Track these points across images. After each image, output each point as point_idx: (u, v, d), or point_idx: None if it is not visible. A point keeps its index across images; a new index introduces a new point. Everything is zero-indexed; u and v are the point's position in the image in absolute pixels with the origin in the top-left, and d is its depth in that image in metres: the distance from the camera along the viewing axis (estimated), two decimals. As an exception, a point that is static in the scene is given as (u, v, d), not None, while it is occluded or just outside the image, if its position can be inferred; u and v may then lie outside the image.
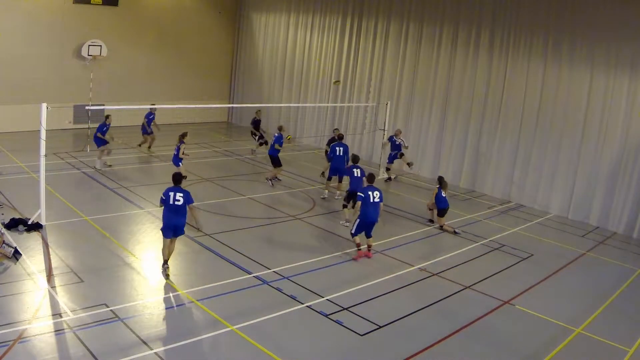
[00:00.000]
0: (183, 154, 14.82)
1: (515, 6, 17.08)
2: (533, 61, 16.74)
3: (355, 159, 14.11)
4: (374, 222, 11.40)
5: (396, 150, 17.83)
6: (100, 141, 16.26)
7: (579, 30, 15.74)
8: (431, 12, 19.23)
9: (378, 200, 11.34)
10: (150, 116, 18.81)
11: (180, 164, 14.82)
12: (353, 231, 11.43)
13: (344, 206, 13.65)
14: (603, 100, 15.44)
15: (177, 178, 9.86)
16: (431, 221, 14.18)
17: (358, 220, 11.35)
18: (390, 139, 17.87)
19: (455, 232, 13.62)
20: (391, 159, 18.04)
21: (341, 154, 15.32)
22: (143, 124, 18.83)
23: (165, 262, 9.91)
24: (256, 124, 20.30)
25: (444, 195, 13.74)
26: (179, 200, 9.56)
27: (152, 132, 18.89)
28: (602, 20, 15.22)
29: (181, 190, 9.70)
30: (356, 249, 11.50)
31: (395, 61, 20.36)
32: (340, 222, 13.55)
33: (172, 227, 9.66)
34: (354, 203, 12.65)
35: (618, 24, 14.95)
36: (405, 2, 19.93)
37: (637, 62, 14.77)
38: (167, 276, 9.75)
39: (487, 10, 17.75)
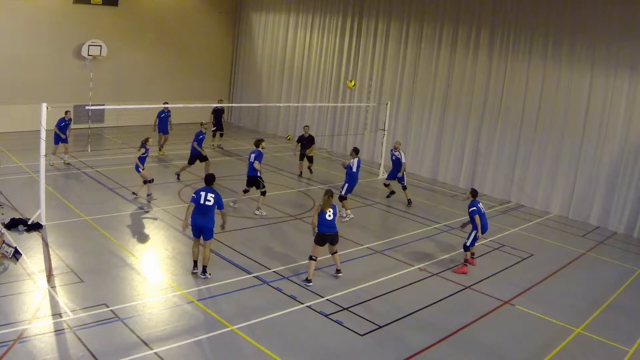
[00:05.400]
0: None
1: (515, 6, 17.08)
2: (533, 61, 16.74)
3: (257, 143, 13.93)
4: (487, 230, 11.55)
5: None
6: (58, 137, 15.96)
7: (579, 30, 15.75)
8: (431, 13, 19.23)
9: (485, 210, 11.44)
10: (161, 114, 18.73)
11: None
12: (468, 243, 11.26)
13: (245, 191, 13.92)
14: (603, 100, 15.44)
15: (210, 179, 9.84)
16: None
17: (476, 231, 11.15)
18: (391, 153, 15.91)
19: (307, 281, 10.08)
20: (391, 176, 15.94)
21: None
22: (155, 123, 18.82)
23: (195, 263, 9.95)
24: (218, 113, 20.33)
25: (329, 218, 9.99)
26: (209, 201, 9.54)
27: (166, 132, 18.95)
28: (602, 20, 15.23)
29: (213, 191, 9.66)
30: (463, 263, 11.37)
31: (396, 61, 20.36)
32: (256, 212, 13.75)
33: (198, 227, 9.61)
34: (257, 187, 13.56)
35: (618, 24, 14.96)
36: (406, 2, 19.94)
37: (637, 63, 14.77)
38: (196, 274, 9.90)
39: (487, 10, 17.75)
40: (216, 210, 9.75)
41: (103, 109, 21.11)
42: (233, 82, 27.21)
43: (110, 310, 8.44)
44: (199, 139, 16.00)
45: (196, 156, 16.00)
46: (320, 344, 8.27)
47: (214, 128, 20.45)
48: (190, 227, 9.71)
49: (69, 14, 20.86)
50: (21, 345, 7.31)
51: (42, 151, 11.33)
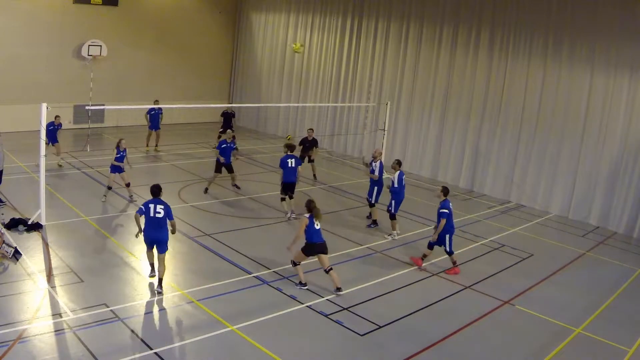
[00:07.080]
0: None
1: (515, 6, 17.08)
2: (533, 61, 16.74)
3: (291, 148, 13.50)
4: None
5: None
6: (48, 139, 15.75)
7: (579, 30, 15.75)
8: (431, 13, 19.23)
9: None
10: (152, 111, 18.74)
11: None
12: (448, 248, 11.13)
13: (282, 199, 13.59)
14: (603, 100, 15.45)
15: (156, 190, 9.33)
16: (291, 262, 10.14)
17: (449, 235, 11.03)
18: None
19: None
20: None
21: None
22: (147, 120, 18.98)
23: (152, 266, 9.67)
24: (227, 116, 20.22)
25: (317, 227, 9.86)
26: (159, 213, 9.12)
27: (158, 128, 19.07)
28: (602, 20, 15.23)
29: (162, 203, 9.24)
30: (453, 265, 11.27)
31: (396, 61, 20.36)
32: (287, 216, 13.49)
33: (151, 241, 9.32)
34: (290, 194, 13.34)
35: (618, 24, 14.96)
36: (406, 2, 19.94)
37: (637, 63, 14.78)
38: (154, 277, 9.59)
39: (487, 10, 17.75)
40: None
41: (103, 109, 21.11)
42: (233, 82, 27.20)
43: (110, 310, 8.45)
44: (221, 147, 15.13)
45: (218, 164, 15.12)
46: (320, 343, 8.27)
47: (221, 130, 20.20)
48: (142, 236, 9.39)
49: (69, 14, 20.85)
50: (21, 345, 7.32)
51: (42, 151, 11.34)
